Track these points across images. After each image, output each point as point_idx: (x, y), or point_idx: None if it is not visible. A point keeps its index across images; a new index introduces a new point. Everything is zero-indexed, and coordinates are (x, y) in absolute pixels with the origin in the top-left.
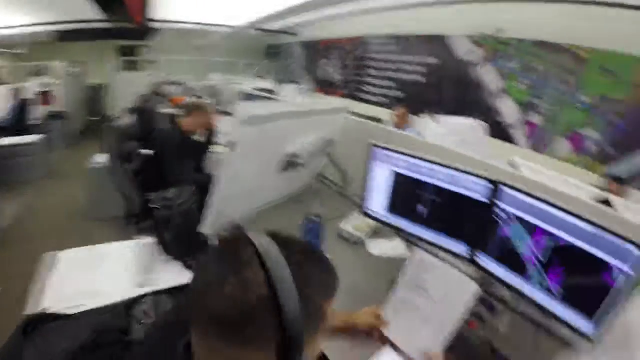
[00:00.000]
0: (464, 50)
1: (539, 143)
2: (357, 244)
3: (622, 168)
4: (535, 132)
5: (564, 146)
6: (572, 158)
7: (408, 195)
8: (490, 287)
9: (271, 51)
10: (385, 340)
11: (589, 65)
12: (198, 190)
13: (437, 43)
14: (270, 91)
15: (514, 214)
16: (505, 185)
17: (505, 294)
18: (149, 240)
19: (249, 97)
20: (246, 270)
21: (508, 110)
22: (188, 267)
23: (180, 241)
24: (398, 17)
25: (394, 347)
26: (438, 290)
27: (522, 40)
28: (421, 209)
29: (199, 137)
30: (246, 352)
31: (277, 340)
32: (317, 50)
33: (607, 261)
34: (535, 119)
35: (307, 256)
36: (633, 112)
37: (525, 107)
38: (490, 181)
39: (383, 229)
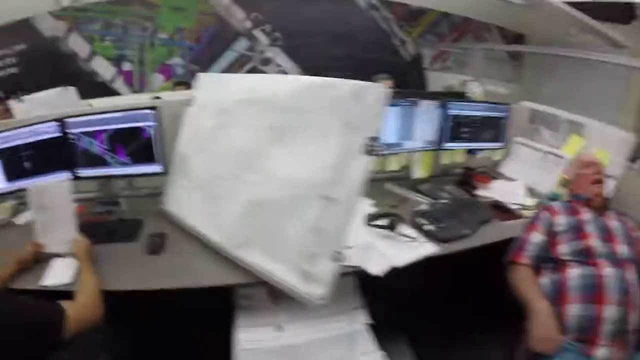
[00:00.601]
0: (49, 27)
1: (138, 85)
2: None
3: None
4: (131, 78)
5: (158, 79)
6: (167, 86)
7: (12, 161)
8: (109, 189)
9: None
10: (47, 255)
11: (161, 9)
12: None
13: (22, 28)
14: None
15: (80, 132)
16: (67, 117)
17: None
18: None
19: None
20: None
21: (102, 69)
22: None
23: None
24: None
25: (54, 255)
26: (49, 199)
27: (98, 2)
28: (27, 164)
29: None
30: None
31: None
32: None
33: (139, 126)
34: (128, 66)
35: None
36: (202, 33)
37: (116, 60)
38: (56, 120)
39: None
